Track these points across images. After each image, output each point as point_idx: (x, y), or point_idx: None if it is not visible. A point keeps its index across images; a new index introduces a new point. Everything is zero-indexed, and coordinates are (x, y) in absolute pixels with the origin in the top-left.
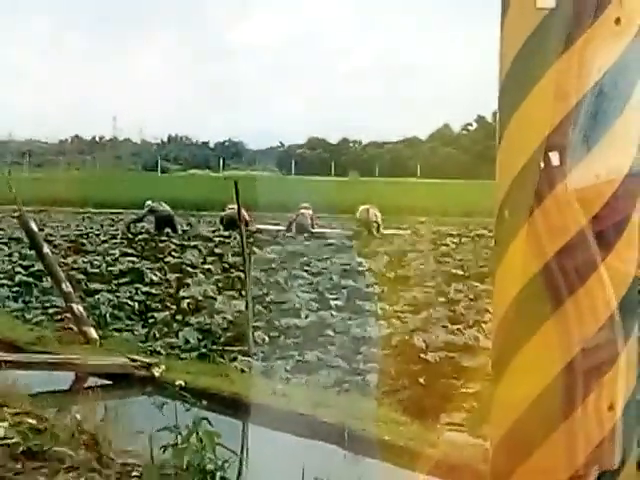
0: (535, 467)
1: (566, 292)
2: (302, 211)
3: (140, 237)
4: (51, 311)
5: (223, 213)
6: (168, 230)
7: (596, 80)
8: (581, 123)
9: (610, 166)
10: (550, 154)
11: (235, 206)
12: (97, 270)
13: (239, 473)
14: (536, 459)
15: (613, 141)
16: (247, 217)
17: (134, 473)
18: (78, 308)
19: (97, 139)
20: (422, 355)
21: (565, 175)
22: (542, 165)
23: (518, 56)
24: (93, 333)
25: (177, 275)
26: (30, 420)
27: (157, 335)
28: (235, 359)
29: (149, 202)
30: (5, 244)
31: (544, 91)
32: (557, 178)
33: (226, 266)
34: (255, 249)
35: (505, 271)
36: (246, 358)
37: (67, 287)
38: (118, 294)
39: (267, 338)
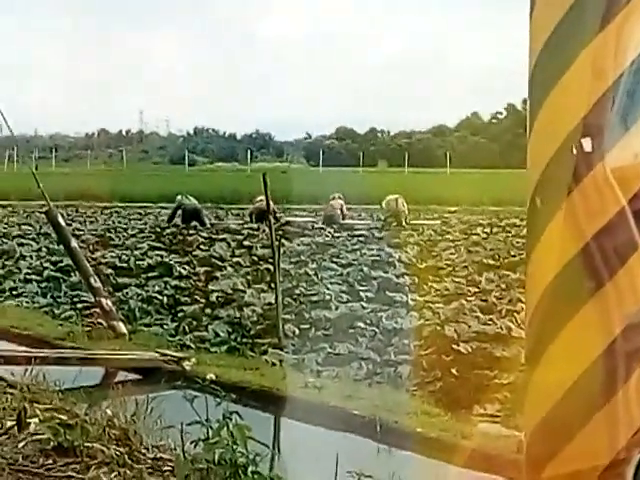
0: (575, 453)
1: (606, 273)
2: (332, 202)
3: (168, 231)
4: (80, 306)
5: (252, 206)
6: (196, 223)
7: (633, 58)
8: (619, 102)
9: None
10: (582, 140)
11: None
12: (125, 264)
13: (271, 467)
14: (576, 444)
15: None
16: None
17: (165, 468)
18: (107, 303)
19: (124, 133)
20: (454, 346)
21: (603, 155)
22: (574, 152)
23: (550, 39)
24: (122, 328)
25: (206, 268)
26: (61, 416)
27: (186, 329)
28: (265, 352)
29: (179, 197)
30: (33, 239)
31: (579, 72)
32: (595, 159)
33: (255, 259)
34: (284, 241)
35: (539, 257)
36: (276, 351)
37: (96, 282)
38: (147, 288)
39: (297, 330)
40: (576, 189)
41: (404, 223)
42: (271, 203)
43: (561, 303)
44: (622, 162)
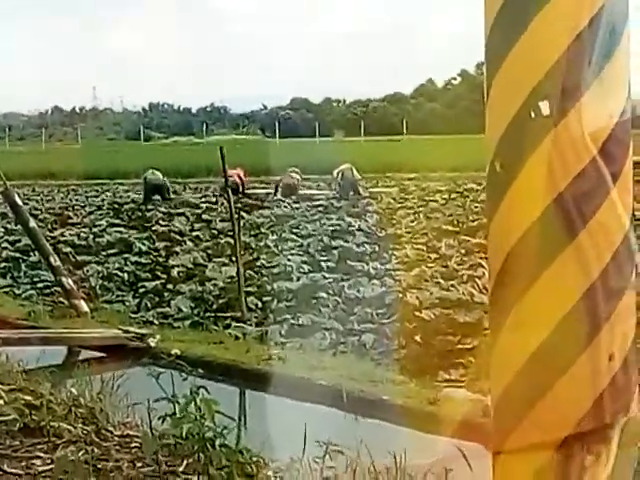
0: (548, 411)
1: (580, 222)
2: (290, 174)
3: (127, 207)
4: (40, 285)
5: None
6: (157, 197)
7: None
8: (595, 63)
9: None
10: (540, 104)
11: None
12: (84, 242)
13: (238, 439)
14: (549, 402)
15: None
16: (239, 180)
17: (133, 444)
18: (68, 281)
19: (77, 110)
20: (417, 313)
21: (580, 114)
22: (533, 115)
23: None
24: (84, 306)
25: (165, 243)
26: (26, 396)
27: (149, 305)
28: (229, 326)
29: (148, 172)
30: None
31: (542, 28)
32: (570, 118)
33: (215, 232)
34: (243, 214)
35: (500, 220)
36: (240, 324)
37: (55, 261)
38: (107, 265)
39: (260, 303)
40: (552, 146)
41: (360, 192)
42: (242, 176)
43: (531, 258)
44: (598, 123)
